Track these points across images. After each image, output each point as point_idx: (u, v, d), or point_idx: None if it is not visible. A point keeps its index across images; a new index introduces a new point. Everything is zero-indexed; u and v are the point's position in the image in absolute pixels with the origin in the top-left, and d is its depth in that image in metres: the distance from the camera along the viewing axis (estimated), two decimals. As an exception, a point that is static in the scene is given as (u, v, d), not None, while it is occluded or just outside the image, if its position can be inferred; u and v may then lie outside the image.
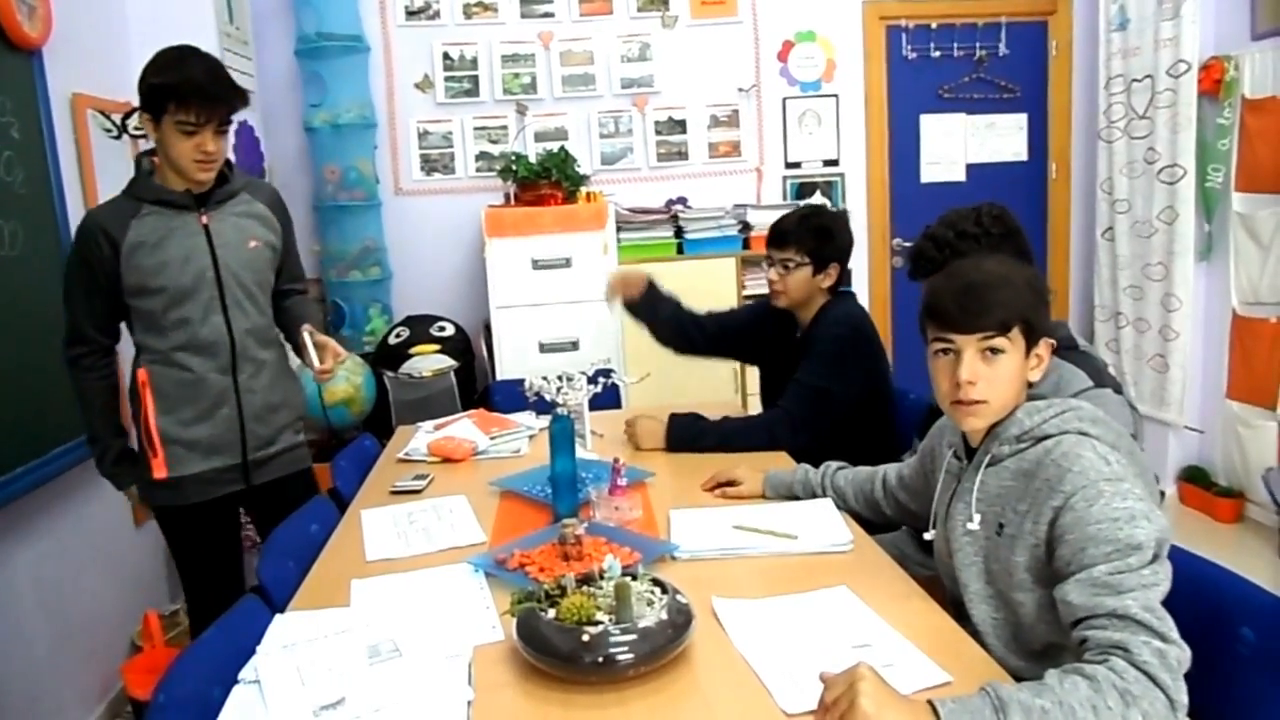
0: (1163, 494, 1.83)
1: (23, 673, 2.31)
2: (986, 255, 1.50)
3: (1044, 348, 1.41)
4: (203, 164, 1.98)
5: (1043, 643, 1.36)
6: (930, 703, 1.08)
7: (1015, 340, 1.38)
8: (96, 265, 1.98)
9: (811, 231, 2.42)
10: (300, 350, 2.18)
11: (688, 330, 2.68)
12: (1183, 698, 1.09)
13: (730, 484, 2.01)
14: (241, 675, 1.30)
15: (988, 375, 1.37)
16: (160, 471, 2.03)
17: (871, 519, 1.90)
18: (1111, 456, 1.30)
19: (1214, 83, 3.64)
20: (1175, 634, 1.14)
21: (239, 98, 1.99)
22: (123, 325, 2.10)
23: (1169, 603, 1.36)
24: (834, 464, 1.97)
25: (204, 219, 2.04)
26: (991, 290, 1.37)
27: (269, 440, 2.16)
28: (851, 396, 2.34)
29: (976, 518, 1.42)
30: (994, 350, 1.37)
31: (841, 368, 2.34)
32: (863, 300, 4.41)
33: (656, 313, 2.64)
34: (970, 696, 1.09)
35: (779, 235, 2.45)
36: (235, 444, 2.10)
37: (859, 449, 2.35)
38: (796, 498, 1.94)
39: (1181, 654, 1.12)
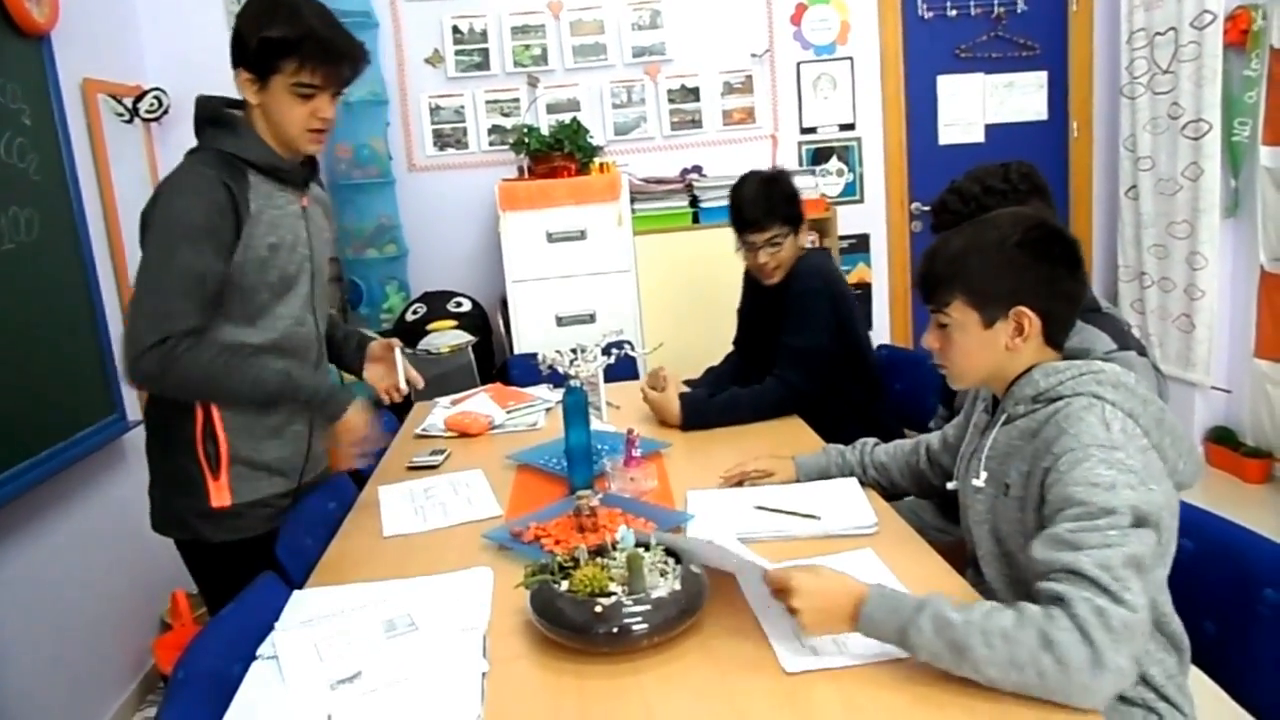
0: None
1: (57, 653, 2.35)
2: (978, 219, 1.46)
3: (1020, 316, 1.35)
4: (318, 135, 1.71)
5: None
6: (866, 588, 1.18)
7: (962, 313, 1.38)
8: (220, 225, 1.60)
9: (783, 200, 2.40)
10: (343, 363, 2.06)
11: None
12: (1117, 660, 1.05)
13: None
14: (260, 651, 1.31)
15: (944, 344, 1.43)
16: (222, 499, 1.70)
17: (916, 493, 1.87)
18: (1116, 424, 1.25)
19: (1240, 33, 3.54)
20: (1130, 595, 1.09)
21: (364, 56, 1.72)
22: None
23: (1194, 566, 1.35)
24: (869, 441, 1.91)
25: (304, 201, 1.79)
26: (937, 265, 1.41)
27: (320, 460, 1.93)
28: (837, 348, 2.37)
29: (983, 474, 1.42)
30: (941, 324, 1.42)
31: (822, 322, 2.35)
32: (881, 265, 4.39)
33: (709, 421, 2.33)
34: (902, 594, 1.18)
35: (755, 218, 2.38)
36: (298, 466, 1.82)
37: (848, 400, 2.35)
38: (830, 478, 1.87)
39: (1130, 616, 1.07)
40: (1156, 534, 1.18)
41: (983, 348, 1.38)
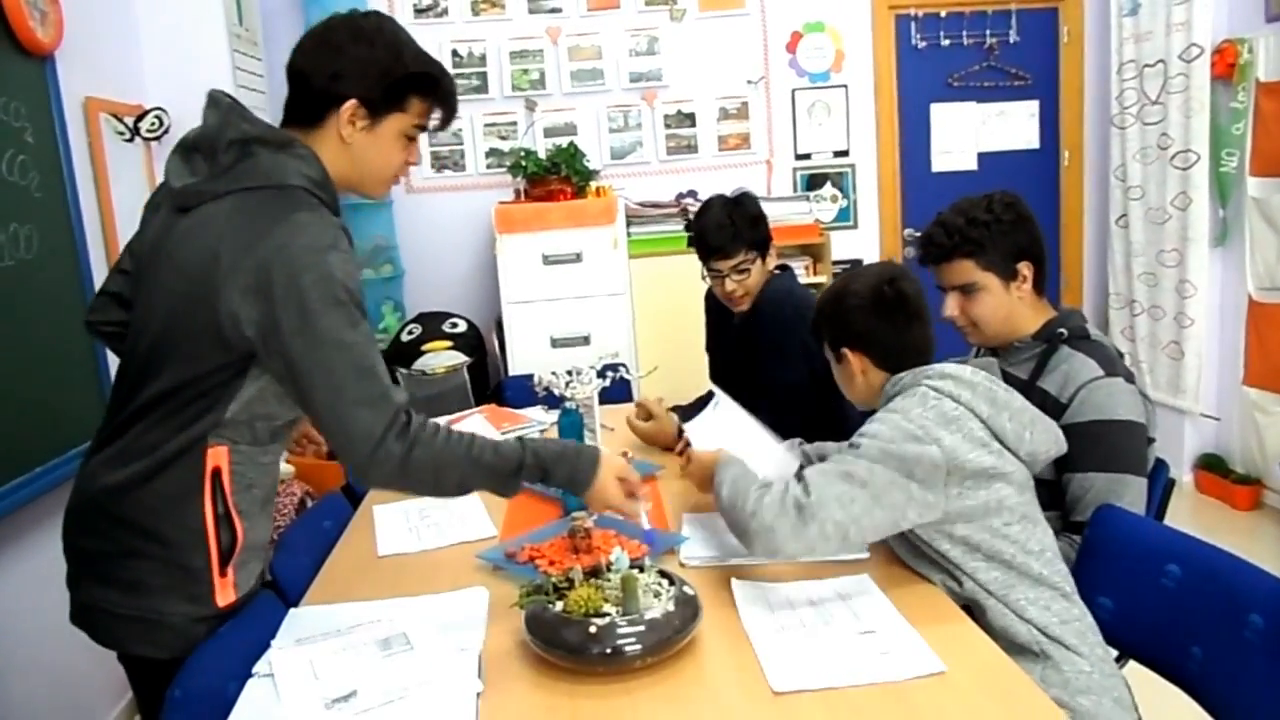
0: (1173, 482, 1.82)
1: (50, 667, 2.34)
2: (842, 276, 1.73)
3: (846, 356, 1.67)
4: (399, 179, 1.54)
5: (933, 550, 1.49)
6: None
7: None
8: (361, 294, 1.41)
9: (748, 224, 2.29)
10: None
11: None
12: (765, 516, 1.41)
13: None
14: (256, 669, 1.32)
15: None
16: (227, 596, 1.37)
17: None
18: (930, 400, 1.47)
19: (1227, 66, 3.61)
20: (814, 491, 1.40)
21: None
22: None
23: (1182, 592, 1.38)
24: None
25: None
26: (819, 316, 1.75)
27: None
28: (817, 375, 2.23)
29: None
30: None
31: (800, 354, 2.23)
32: (874, 291, 4.42)
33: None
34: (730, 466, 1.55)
35: (721, 244, 2.28)
36: (269, 540, 1.51)
37: (826, 415, 2.32)
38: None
39: (803, 499, 1.39)
40: (905, 476, 1.40)
41: (846, 380, 1.70)
